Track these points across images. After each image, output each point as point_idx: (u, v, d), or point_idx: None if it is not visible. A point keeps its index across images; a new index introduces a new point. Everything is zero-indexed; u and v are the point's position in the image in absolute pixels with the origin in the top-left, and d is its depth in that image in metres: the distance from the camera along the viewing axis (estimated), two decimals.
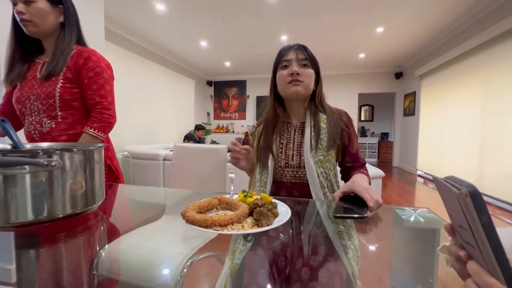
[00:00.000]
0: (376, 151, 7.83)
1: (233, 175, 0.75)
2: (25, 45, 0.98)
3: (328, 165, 0.86)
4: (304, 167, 0.85)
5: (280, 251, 0.56)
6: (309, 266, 0.68)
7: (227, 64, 6.20)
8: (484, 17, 3.40)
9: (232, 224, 0.50)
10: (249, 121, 7.38)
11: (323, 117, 0.89)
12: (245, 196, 0.63)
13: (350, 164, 0.92)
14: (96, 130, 0.97)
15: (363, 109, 8.57)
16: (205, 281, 0.50)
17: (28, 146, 0.66)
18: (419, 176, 5.25)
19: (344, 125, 0.90)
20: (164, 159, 2.98)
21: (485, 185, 3.38)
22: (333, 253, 0.72)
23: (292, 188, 0.89)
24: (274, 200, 0.65)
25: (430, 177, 4.86)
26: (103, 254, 0.64)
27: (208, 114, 7.68)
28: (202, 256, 0.57)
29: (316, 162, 0.84)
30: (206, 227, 0.48)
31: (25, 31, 0.93)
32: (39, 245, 0.52)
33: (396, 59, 5.68)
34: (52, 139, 0.95)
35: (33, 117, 0.96)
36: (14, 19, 0.94)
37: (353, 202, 0.68)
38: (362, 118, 8.59)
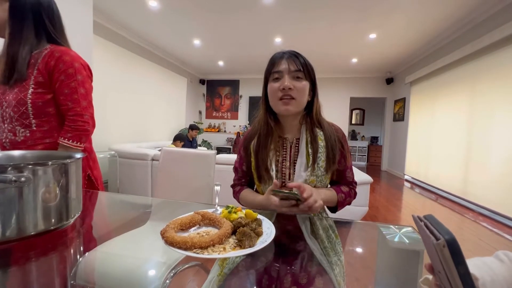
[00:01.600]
0: (366, 154, 7.95)
1: (218, 187, 0.73)
2: None
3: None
4: None
5: (267, 268, 0.55)
6: (297, 283, 0.67)
7: (221, 63, 6.15)
8: (474, 27, 3.49)
9: (214, 245, 0.48)
10: (241, 121, 7.35)
11: (320, 133, 0.83)
12: (229, 212, 0.61)
13: (336, 179, 0.89)
14: (71, 141, 0.90)
15: (354, 112, 8.68)
16: None
17: (16, 153, 0.62)
18: (406, 181, 5.36)
19: (339, 142, 0.85)
20: (153, 159, 2.92)
21: (469, 192, 3.48)
22: (320, 270, 0.72)
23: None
24: (259, 217, 0.63)
25: (417, 182, 4.97)
26: (81, 264, 0.61)
27: (200, 113, 7.61)
28: (186, 266, 0.55)
29: (305, 181, 0.80)
30: (186, 249, 0.46)
31: None
32: (10, 262, 0.49)
33: (387, 65, 5.77)
34: (27, 148, 0.88)
35: (6, 125, 0.87)
36: None
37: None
38: (353, 122, 8.70)
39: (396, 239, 0.59)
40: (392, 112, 6.43)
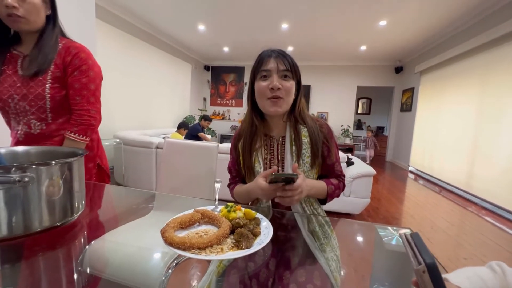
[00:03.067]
0: None
1: (218, 184, 0.74)
2: None
3: None
4: None
5: (265, 262, 0.56)
6: (293, 275, 0.69)
7: (226, 49, 6.04)
8: (488, 17, 3.33)
9: (211, 246, 0.50)
10: (245, 109, 7.29)
11: (304, 129, 0.85)
12: (229, 211, 0.62)
13: (325, 173, 0.91)
14: (77, 134, 0.92)
15: (360, 101, 8.54)
16: (189, 282, 0.49)
17: (3, 150, 0.63)
18: (411, 172, 5.33)
19: (324, 138, 0.86)
20: (157, 147, 2.95)
21: (473, 185, 3.46)
22: (318, 266, 0.74)
23: (278, 203, 0.88)
24: (258, 216, 0.64)
25: (422, 174, 4.94)
26: (88, 252, 0.64)
27: (205, 99, 7.57)
28: (188, 256, 0.57)
29: None
30: (184, 249, 0.48)
31: (12, 26, 0.84)
32: (22, 253, 0.52)
33: (397, 53, 5.59)
34: (44, 140, 0.90)
35: (20, 118, 0.89)
36: None
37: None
38: (359, 111, 8.57)
39: (393, 242, 0.60)
40: (400, 102, 6.30)
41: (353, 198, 2.57)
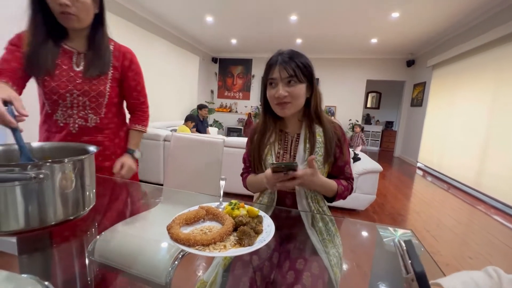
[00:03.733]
0: (379, 139, 7.78)
1: (223, 182, 0.76)
2: (49, 27, 0.89)
3: None
4: None
5: (268, 254, 0.58)
6: (294, 268, 0.72)
7: (233, 41, 5.99)
8: (505, 9, 3.19)
9: (215, 243, 0.52)
10: (253, 102, 7.29)
11: (319, 129, 0.87)
12: (232, 208, 0.64)
13: (335, 175, 0.92)
14: (144, 127, 1.14)
15: (370, 95, 8.38)
16: (195, 273, 0.52)
17: (35, 145, 0.68)
18: (419, 168, 5.26)
19: (337, 139, 0.88)
20: (165, 140, 3.00)
21: (483, 183, 3.40)
22: (317, 259, 0.76)
23: (285, 197, 0.90)
24: (260, 213, 0.66)
25: (430, 170, 4.87)
26: (98, 242, 0.68)
27: (212, 92, 7.58)
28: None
29: None
30: (189, 246, 0.50)
31: (64, 23, 0.87)
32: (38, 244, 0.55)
33: (409, 46, 5.43)
34: (97, 133, 1.00)
35: (75, 111, 0.95)
36: None
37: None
38: (368, 105, 8.43)
39: (392, 243, 0.61)
40: (410, 96, 6.16)
41: (358, 194, 2.57)
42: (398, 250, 0.31)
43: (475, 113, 3.72)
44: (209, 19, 4.60)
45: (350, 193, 0.90)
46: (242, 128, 7.00)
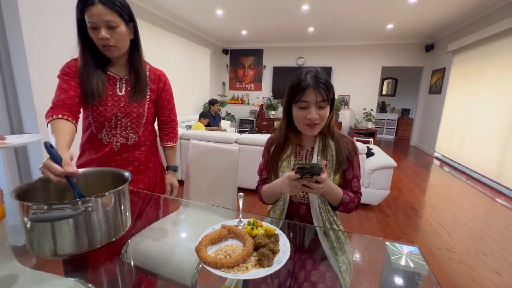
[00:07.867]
0: (395, 128, 7.59)
1: (241, 199, 0.83)
2: (97, 58, 0.98)
3: None
4: None
5: (285, 264, 0.64)
6: (308, 278, 0.80)
7: (244, 32, 5.92)
8: None
9: (238, 265, 0.59)
10: (264, 93, 7.26)
11: (331, 143, 0.94)
12: (252, 228, 0.71)
13: (342, 187, 0.95)
14: (174, 143, 1.24)
15: (385, 82, 8.11)
16: (218, 276, 0.59)
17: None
18: (436, 158, 5.14)
19: (348, 153, 0.93)
20: (181, 138, 3.10)
21: (503, 175, 3.30)
22: (329, 267, 0.83)
23: (299, 208, 0.97)
24: (277, 232, 0.73)
25: (448, 161, 4.75)
26: (130, 244, 0.77)
27: (224, 84, 7.60)
28: None
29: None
30: (216, 268, 0.58)
31: (107, 54, 0.95)
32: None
33: (428, 30, 5.16)
34: (134, 149, 1.09)
35: (118, 131, 1.04)
36: (80, 28, 0.91)
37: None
38: (384, 92, 8.18)
39: (401, 262, 0.66)
40: (429, 83, 5.91)
41: (371, 189, 2.59)
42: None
43: (498, 102, 3.56)
44: (219, 12, 4.57)
45: (356, 208, 0.93)
46: (255, 119, 7.01)
